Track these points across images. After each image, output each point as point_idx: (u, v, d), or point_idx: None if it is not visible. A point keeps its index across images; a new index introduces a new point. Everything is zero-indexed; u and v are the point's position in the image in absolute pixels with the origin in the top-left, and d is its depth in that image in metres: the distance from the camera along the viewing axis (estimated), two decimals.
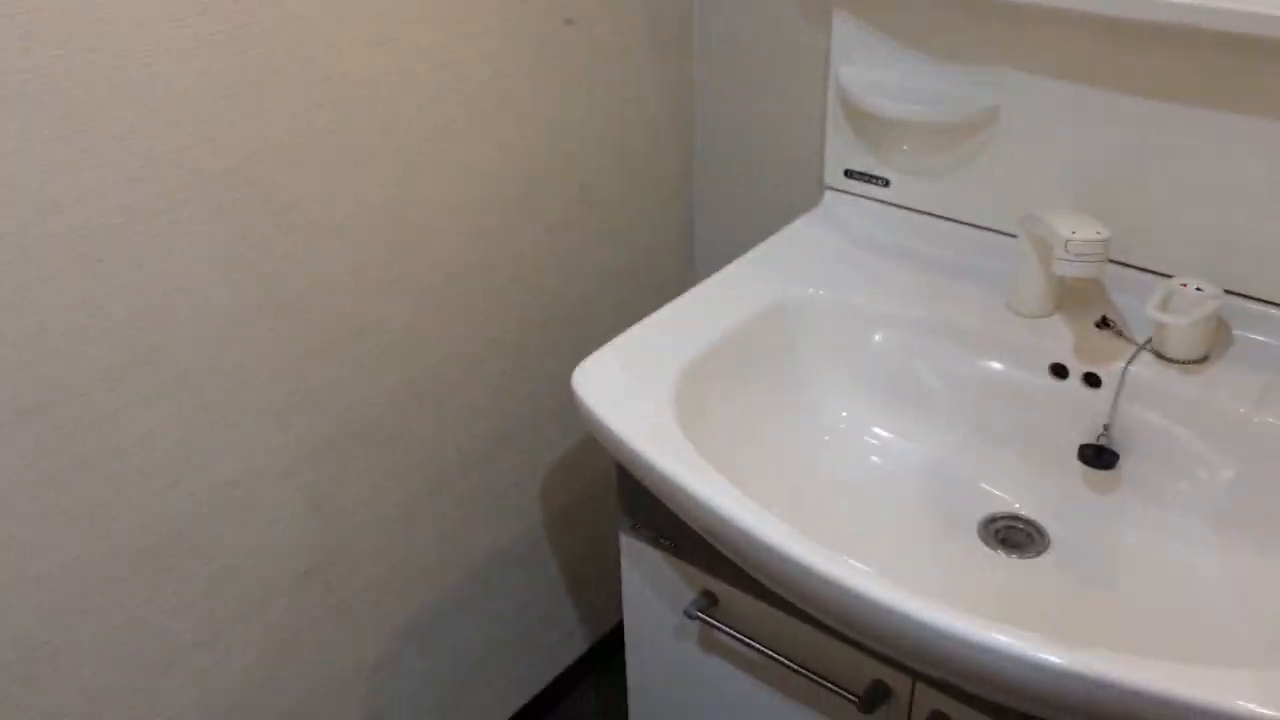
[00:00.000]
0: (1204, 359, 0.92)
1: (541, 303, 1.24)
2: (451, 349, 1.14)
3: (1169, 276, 0.96)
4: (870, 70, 1.11)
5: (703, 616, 0.96)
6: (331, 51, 0.91)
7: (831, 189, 1.20)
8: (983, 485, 0.98)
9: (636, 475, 0.87)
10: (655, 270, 1.38)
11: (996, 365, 0.99)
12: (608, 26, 1.17)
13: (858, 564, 0.73)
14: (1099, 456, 0.92)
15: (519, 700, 1.46)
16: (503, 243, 1.15)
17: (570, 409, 1.34)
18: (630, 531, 1.02)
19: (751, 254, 1.12)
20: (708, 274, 1.10)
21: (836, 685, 0.89)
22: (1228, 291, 0.94)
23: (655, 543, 1.00)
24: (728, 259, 1.13)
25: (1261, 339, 0.94)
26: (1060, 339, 0.97)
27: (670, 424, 0.87)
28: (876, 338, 1.04)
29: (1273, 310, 0.94)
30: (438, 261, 1.08)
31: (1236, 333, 0.95)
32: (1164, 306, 0.92)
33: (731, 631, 0.95)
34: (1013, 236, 1.05)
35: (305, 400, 1.00)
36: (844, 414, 1.04)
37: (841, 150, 1.17)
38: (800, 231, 1.17)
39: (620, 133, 1.25)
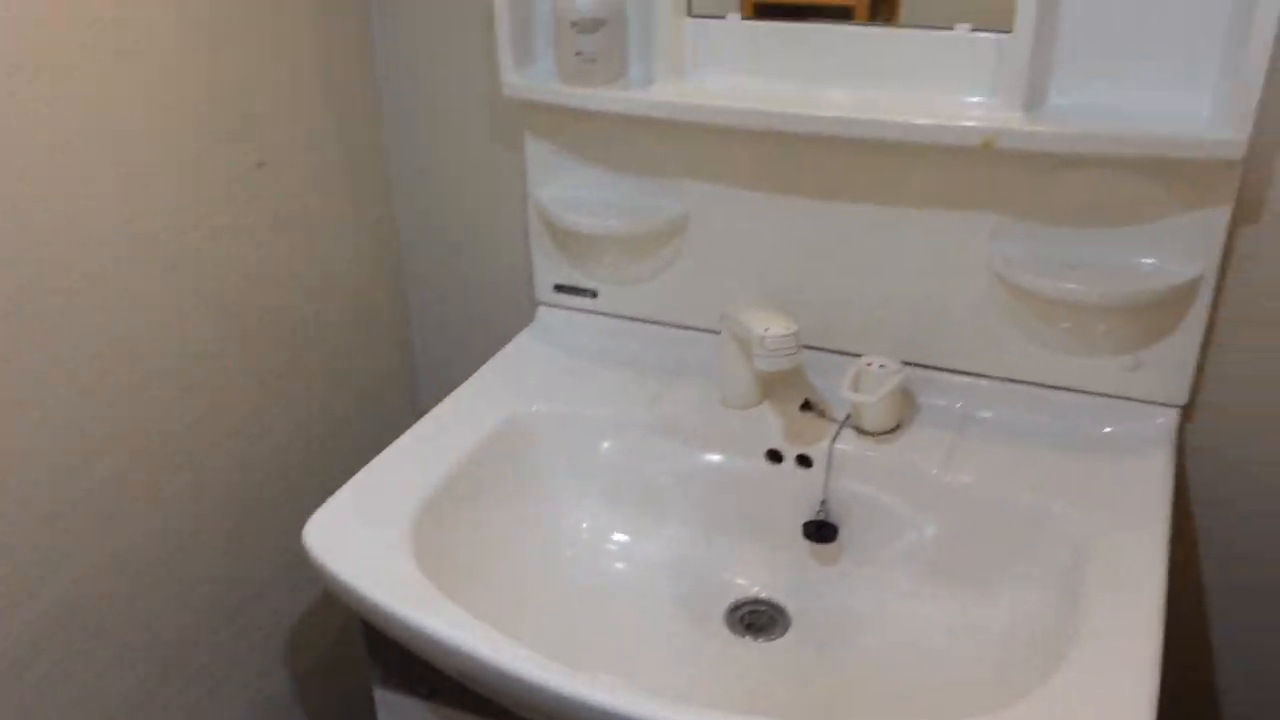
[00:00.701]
0: (896, 428, 1.01)
1: (263, 457, 1.19)
2: (171, 514, 1.07)
3: (858, 356, 1.04)
4: (566, 189, 1.16)
5: None
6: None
7: (544, 304, 1.23)
8: (723, 575, 1.02)
9: (380, 627, 0.85)
10: (380, 407, 1.36)
11: (717, 458, 1.04)
12: (302, 165, 1.16)
13: (607, 678, 0.74)
14: (820, 531, 0.99)
15: None
16: (214, 400, 1.10)
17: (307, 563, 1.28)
18: (383, 684, 0.98)
19: (474, 378, 1.13)
20: (433, 403, 1.09)
21: None
22: (907, 363, 1.04)
23: (411, 691, 0.97)
24: (453, 385, 1.13)
25: (940, 402, 1.04)
26: (771, 426, 1.04)
27: (409, 567, 0.86)
28: (605, 445, 1.07)
29: (944, 375, 1.05)
30: (144, 424, 1.02)
31: (921, 400, 1.05)
32: (855, 386, 1.00)
33: None
34: (716, 333, 1.12)
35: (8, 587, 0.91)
36: (584, 525, 1.06)
37: (549, 266, 1.21)
38: (519, 349, 1.19)
39: (325, 272, 1.23)
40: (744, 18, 1.02)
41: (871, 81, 0.98)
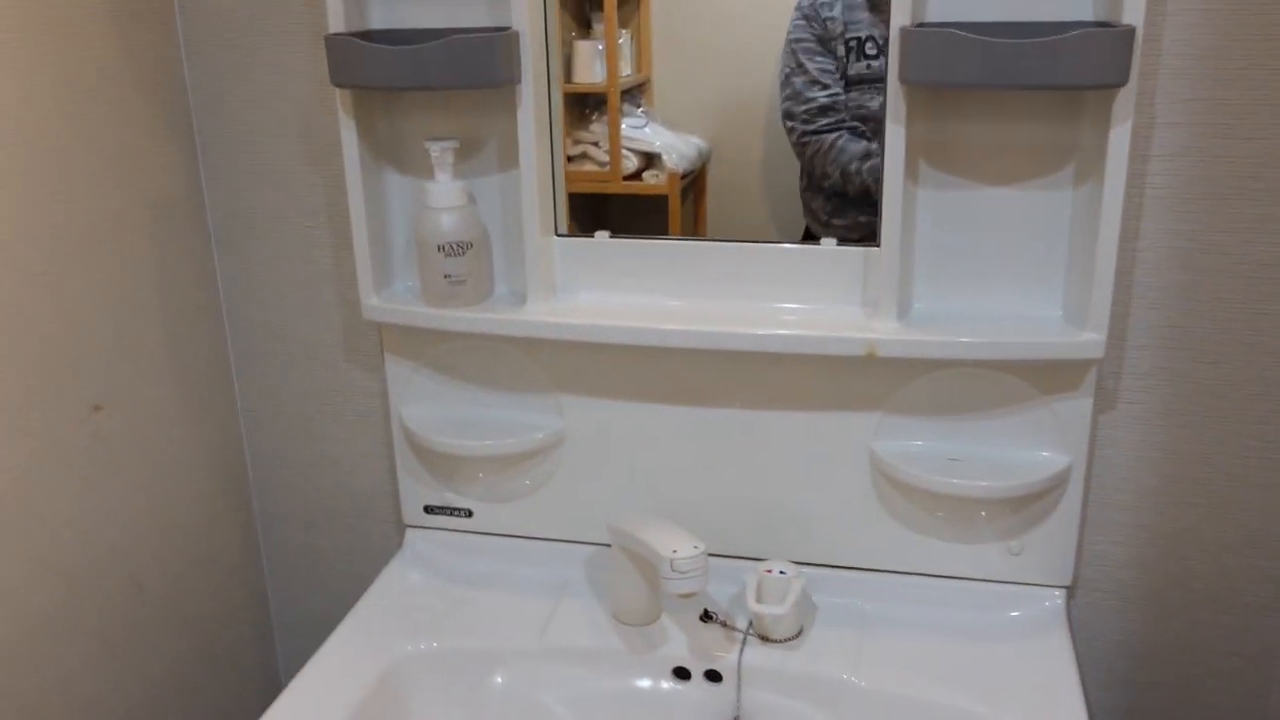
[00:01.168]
0: (799, 633, 1.00)
1: None
2: None
3: (751, 560, 1.03)
4: (433, 408, 1.11)
5: None
6: None
7: (414, 527, 1.17)
8: None
9: None
10: (233, 662, 1.24)
11: (621, 682, 1.00)
12: (141, 403, 1.08)
13: None
14: None
15: None
16: (40, 666, 0.97)
17: None
18: None
19: (346, 622, 1.04)
20: (295, 652, 1.00)
21: None
22: (800, 563, 1.04)
23: None
24: (317, 631, 1.04)
25: (839, 600, 1.04)
26: (674, 641, 1.00)
27: None
28: (498, 680, 1.01)
29: (838, 572, 1.05)
30: None
31: (818, 598, 1.05)
32: (759, 596, 0.99)
33: None
34: (605, 545, 1.09)
35: None
36: None
37: (417, 488, 1.15)
38: (391, 581, 1.12)
39: (169, 513, 1.13)
40: (612, 235, 1.03)
41: (743, 291, 1.00)
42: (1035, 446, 0.98)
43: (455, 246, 1.00)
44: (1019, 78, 0.82)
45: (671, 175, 1.10)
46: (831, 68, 1.03)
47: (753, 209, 1.09)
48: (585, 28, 1.09)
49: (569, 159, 1.08)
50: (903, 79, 0.86)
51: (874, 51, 1.02)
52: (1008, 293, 0.96)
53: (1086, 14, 0.87)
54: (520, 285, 1.03)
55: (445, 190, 1.00)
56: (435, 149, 0.99)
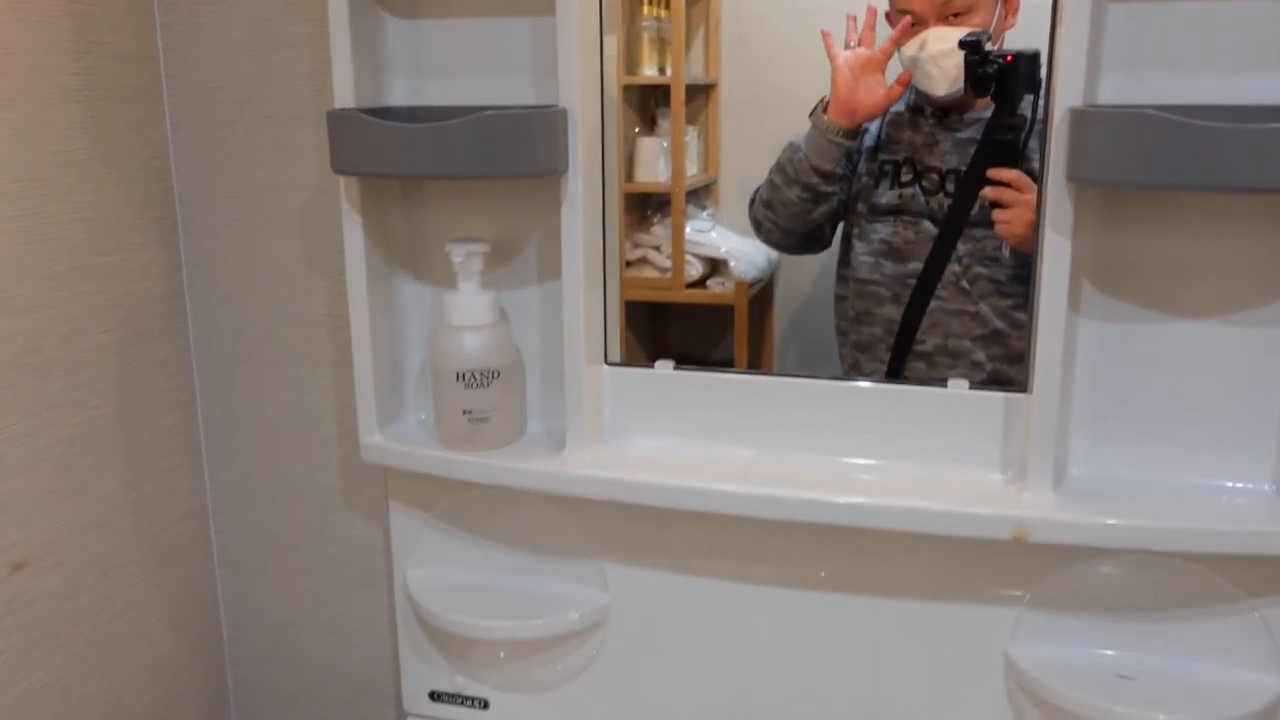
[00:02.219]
0: None
1: None
2: None
3: None
4: (445, 571, 0.90)
5: None
6: None
7: (416, 716, 0.93)
8: None
9: None
10: None
11: None
12: (85, 555, 0.87)
13: None
14: None
15: None
16: None
17: None
18: None
19: None
20: None
21: None
22: None
23: None
24: None
25: None
26: None
27: None
28: None
29: None
30: None
31: None
32: None
33: None
34: None
35: None
36: None
37: (422, 669, 0.92)
38: None
39: (116, 696, 0.91)
40: (676, 366, 0.82)
41: (835, 442, 0.78)
42: (1236, 663, 0.73)
43: (479, 376, 0.80)
44: (1237, 176, 0.60)
45: (739, 284, 0.96)
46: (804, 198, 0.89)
47: (824, 324, 0.92)
48: (650, 124, 0.99)
49: (627, 264, 0.92)
50: (1072, 176, 0.65)
51: (909, 177, 0.86)
52: (1197, 456, 0.72)
53: None
54: (559, 422, 0.82)
55: (469, 305, 0.80)
56: (459, 253, 0.79)
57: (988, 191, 0.82)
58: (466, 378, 0.80)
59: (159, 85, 0.91)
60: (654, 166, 0.98)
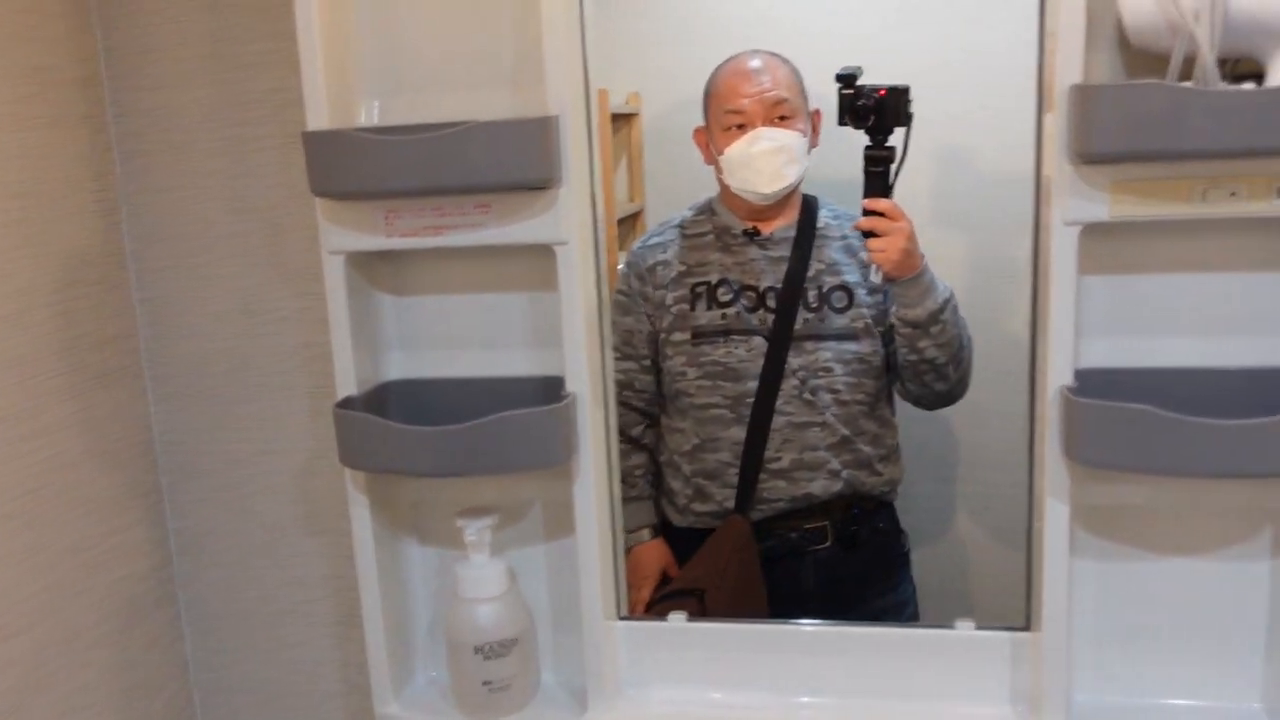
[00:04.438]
0: None
1: None
2: None
3: None
4: None
5: None
6: None
7: None
8: None
9: None
10: None
11: None
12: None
13: None
14: None
15: None
16: None
17: None
18: None
19: None
20: None
21: None
22: None
23: None
24: None
25: None
26: None
27: None
28: None
29: None
30: None
31: None
32: None
33: None
34: None
35: None
36: None
37: None
38: None
39: None
40: (689, 617, 0.83)
41: (854, 685, 0.81)
42: None
43: (498, 647, 0.80)
44: (1228, 466, 0.65)
45: None
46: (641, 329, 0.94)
47: None
48: None
49: None
50: (1071, 455, 0.69)
51: (729, 297, 0.91)
52: (1193, 677, 0.77)
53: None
54: (571, 674, 0.84)
55: (483, 576, 0.81)
56: (471, 529, 0.80)
57: (862, 223, 0.87)
58: (486, 650, 0.80)
59: (138, 356, 0.91)
60: None
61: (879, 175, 0.86)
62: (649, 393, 0.96)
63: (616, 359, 0.90)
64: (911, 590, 0.98)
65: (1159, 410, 0.64)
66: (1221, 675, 0.77)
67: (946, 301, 0.89)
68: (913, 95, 0.84)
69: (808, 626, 0.82)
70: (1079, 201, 0.67)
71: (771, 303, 0.91)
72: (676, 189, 0.99)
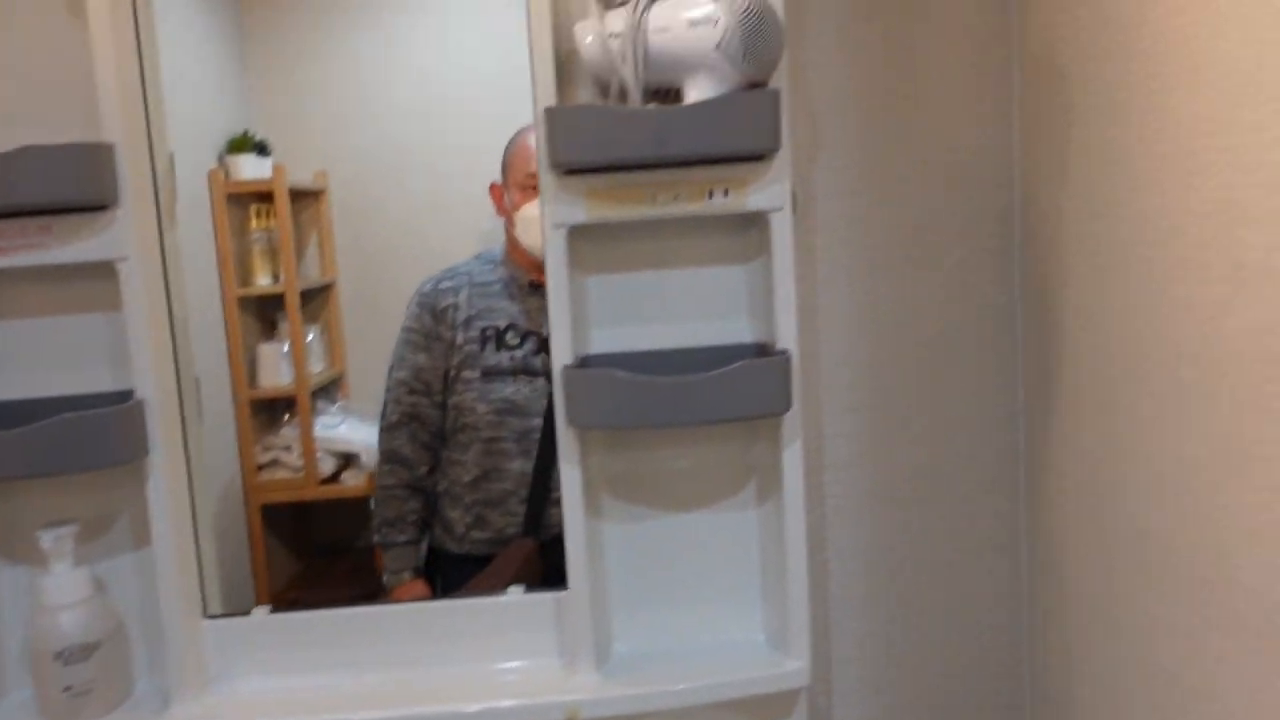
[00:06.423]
0: None
1: None
2: None
3: None
4: None
5: None
6: None
7: None
8: None
9: None
10: None
11: None
12: None
13: None
14: None
15: None
16: None
17: None
18: None
19: None
20: None
21: None
22: None
23: None
24: None
25: None
26: None
27: None
28: None
29: None
30: None
31: None
32: None
33: None
34: None
35: None
36: None
37: None
38: None
39: None
40: (272, 609, 0.90)
41: (425, 660, 0.89)
42: None
43: (78, 651, 0.84)
44: (685, 415, 0.79)
45: (370, 474, 1.04)
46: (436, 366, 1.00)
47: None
48: (270, 327, 1.04)
49: (259, 468, 1.00)
50: (571, 422, 0.81)
51: (516, 341, 1.00)
52: (709, 618, 0.90)
53: (744, 336, 0.87)
54: (165, 675, 0.87)
55: (63, 584, 0.84)
56: (48, 538, 0.84)
57: None
58: (65, 655, 0.83)
59: None
60: (276, 370, 1.03)
61: None
62: (435, 426, 1.03)
63: (406, 393, 1.00)
64: None
65: (616, 371, 0.77)
66: (731, 614, 0.90)
67: None
68: None
69: (378, 608, 0.90)
70: (562, 207, 0.81)
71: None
72: (368, 262, 1.06)
